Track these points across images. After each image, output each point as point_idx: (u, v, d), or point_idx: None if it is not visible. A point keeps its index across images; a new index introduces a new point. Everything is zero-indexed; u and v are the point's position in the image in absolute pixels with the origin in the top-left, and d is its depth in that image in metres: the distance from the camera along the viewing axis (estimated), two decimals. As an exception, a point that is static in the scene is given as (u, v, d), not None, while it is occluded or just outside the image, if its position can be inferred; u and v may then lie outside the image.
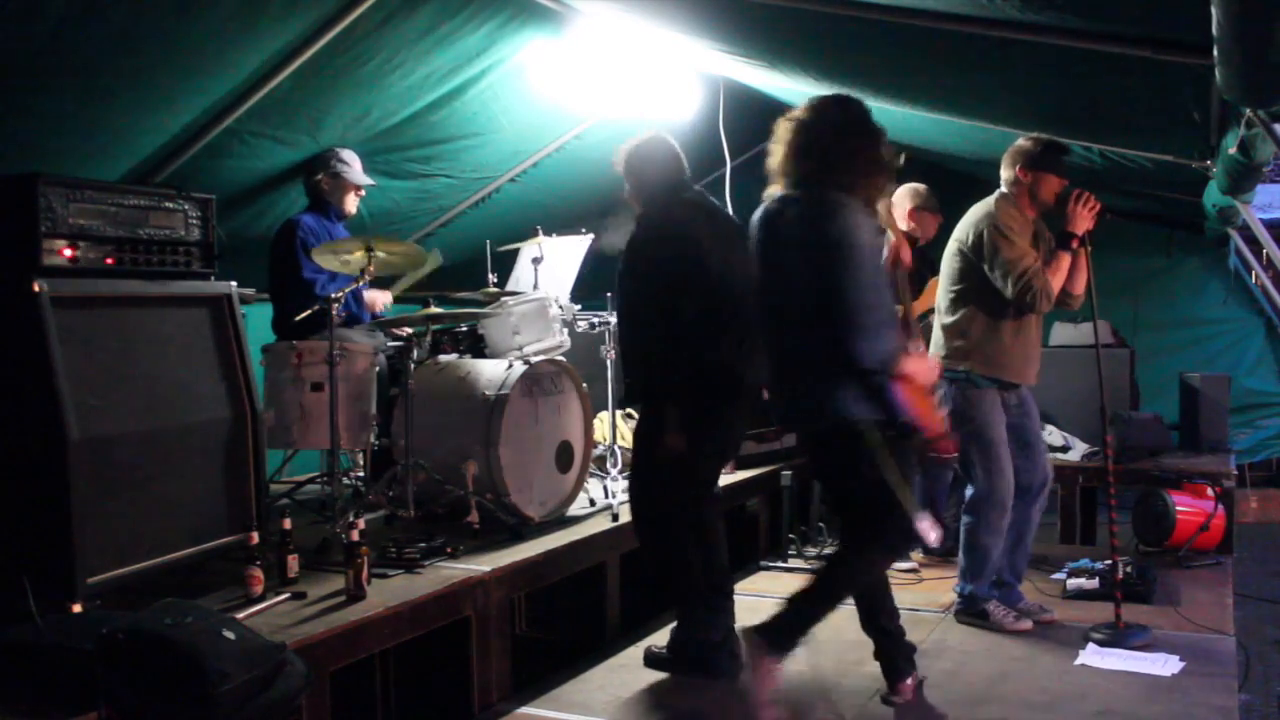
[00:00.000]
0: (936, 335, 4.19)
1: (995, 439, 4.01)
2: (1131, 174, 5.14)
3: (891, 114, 5.24)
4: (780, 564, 5.18)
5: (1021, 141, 4.04)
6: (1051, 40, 3.22)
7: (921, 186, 5.28)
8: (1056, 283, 3.94)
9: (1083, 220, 3.89)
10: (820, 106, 3.17)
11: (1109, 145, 4.73)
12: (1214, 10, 2.23)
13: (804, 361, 3.12)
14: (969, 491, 4.11)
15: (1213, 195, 4.88)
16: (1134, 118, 4.25)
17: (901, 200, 5.28)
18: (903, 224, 5.28)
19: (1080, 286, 4.03)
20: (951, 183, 6.32)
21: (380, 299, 4.98)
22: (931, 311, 5.12)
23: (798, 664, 3.78)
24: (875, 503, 3.07)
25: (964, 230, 4.06)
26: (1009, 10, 3.01)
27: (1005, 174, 4.05)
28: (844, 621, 4.27)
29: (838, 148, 3.07)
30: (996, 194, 4.06)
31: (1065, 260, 3.95)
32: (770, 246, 3.17)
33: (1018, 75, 3.94)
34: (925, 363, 3.17)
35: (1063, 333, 6.05)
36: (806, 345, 3.09)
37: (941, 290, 4.18)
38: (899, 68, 4.31)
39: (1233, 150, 3.49)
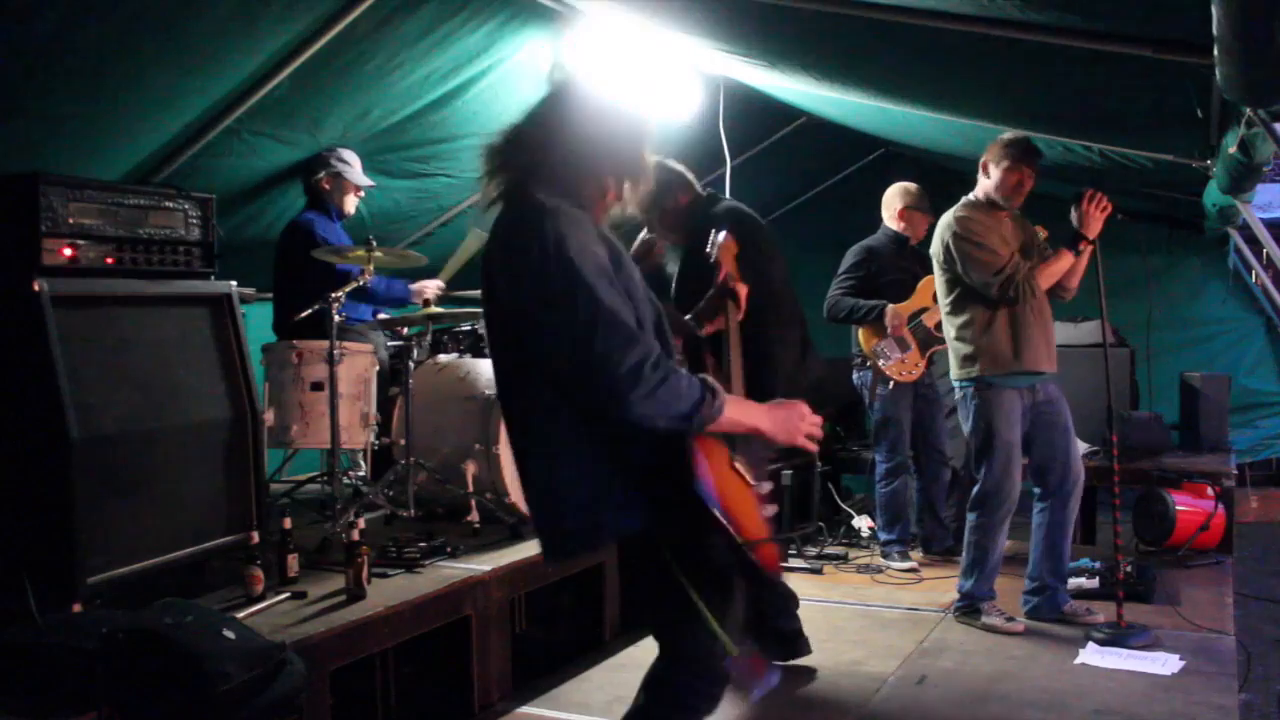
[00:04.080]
0: (949, 351, 4.19)
1: (1008, 440, 4.01)
2: (1131, 173, 5.14)
3: (892, 114, 5.25)
4: (780, 563, 5.17)
5: (1001, 138, 4.09)
6: (1052, 40, 3.22)
7: (912, 185, 5.29)
8: (1048, 278, 3.95)
9: (1096, 222, 3.90)
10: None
11: (1109, 145, 4.73)
12: (1214, 9, 2.22)
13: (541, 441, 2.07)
14: (976, 489, 4.11)
15: (1213, 195, 4.88)
16: (1134, 117, 4.25)
17: (892, 199, 5.29)
18: (892, 224, 5.29)
19: (1075, 280, 4.06)
20: (950, 183, 6.32)
21: (430, 286, 4.88)
22: (923, 312, 5.14)
23: (798, 663, 3.79)
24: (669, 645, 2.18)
25: (935, 247, 4.13)
26: (1009, 10, 3.01)
27: (984, 178, 4.11)
28: (844, 621, 4.28)
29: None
30: (957, 204, 4.11)
31: (1066, 260, 3.96)
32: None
33: (1017, 75, 3.94)
34: (784, 413, 2.11)
35: (1062, 332, 6.05)
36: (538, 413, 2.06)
37: (940, 306, 4.20)
38: (899, 68, 4.31)
39: (1233, 149, 3.48)
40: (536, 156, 2.07)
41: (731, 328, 2.60)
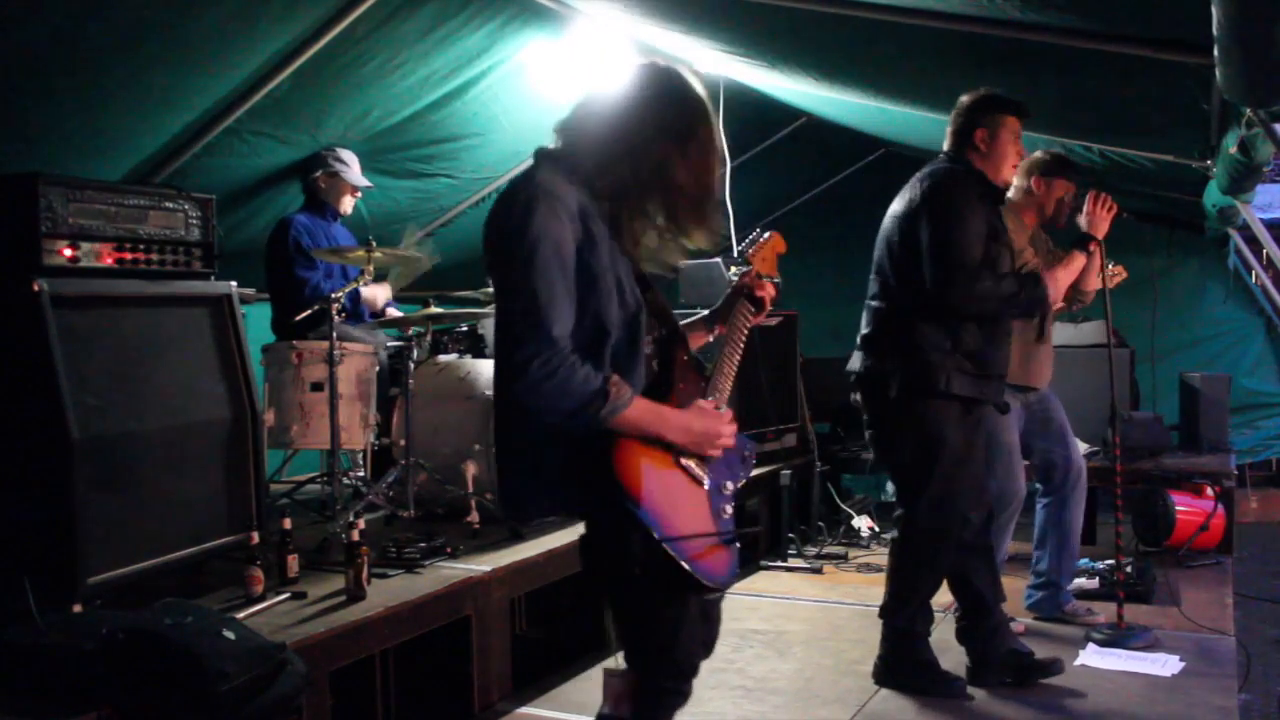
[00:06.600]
0: None
1: (1007, 443, 4.00)
2: (1132, 174, 5.14)
3: (892, 114, 5.25)
4: (780, 563, 5.19)
5: (1036, 154, 4.07)
6: (1052, 40, 3.22)
7: None
8: (1064, 280, 3.93)
9: (1102, 223, 3.89)
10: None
11: (1109, 145, 4.73)
12: (1214, 9, 2.23)
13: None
14: None
15: (1213, 195, 4.88)
16: (1134, 117, 4.25)
17: None
18: None
19: (1092, 285, 4.06)
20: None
21: (380, 296, 4.97)
22: None
23: (798, 663, 3.80)
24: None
25: None
26: (1009, 10, 3.01)
27: (1018, 182, 4.07)
28: (844, 621, 4.28)
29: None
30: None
31: (1079, 261, 3.94)
32: None
33: (1018, 75, 3.94)
34: (700, 424, 2.07)
35: (1062, 333, 6.05)
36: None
37: None
38: (899, 68, 4.31)
39: (1233, 150, 3.49)
40: (562, 140, 2.12)
41: (740, 333, 2.32)
